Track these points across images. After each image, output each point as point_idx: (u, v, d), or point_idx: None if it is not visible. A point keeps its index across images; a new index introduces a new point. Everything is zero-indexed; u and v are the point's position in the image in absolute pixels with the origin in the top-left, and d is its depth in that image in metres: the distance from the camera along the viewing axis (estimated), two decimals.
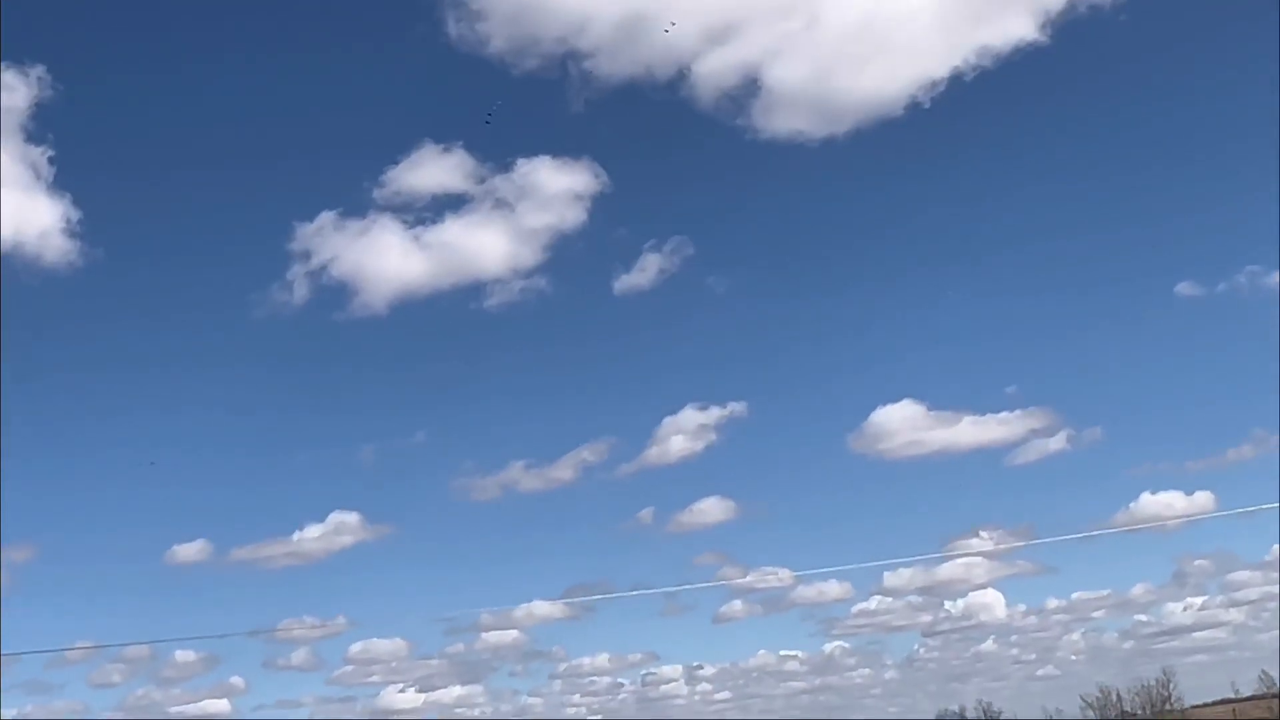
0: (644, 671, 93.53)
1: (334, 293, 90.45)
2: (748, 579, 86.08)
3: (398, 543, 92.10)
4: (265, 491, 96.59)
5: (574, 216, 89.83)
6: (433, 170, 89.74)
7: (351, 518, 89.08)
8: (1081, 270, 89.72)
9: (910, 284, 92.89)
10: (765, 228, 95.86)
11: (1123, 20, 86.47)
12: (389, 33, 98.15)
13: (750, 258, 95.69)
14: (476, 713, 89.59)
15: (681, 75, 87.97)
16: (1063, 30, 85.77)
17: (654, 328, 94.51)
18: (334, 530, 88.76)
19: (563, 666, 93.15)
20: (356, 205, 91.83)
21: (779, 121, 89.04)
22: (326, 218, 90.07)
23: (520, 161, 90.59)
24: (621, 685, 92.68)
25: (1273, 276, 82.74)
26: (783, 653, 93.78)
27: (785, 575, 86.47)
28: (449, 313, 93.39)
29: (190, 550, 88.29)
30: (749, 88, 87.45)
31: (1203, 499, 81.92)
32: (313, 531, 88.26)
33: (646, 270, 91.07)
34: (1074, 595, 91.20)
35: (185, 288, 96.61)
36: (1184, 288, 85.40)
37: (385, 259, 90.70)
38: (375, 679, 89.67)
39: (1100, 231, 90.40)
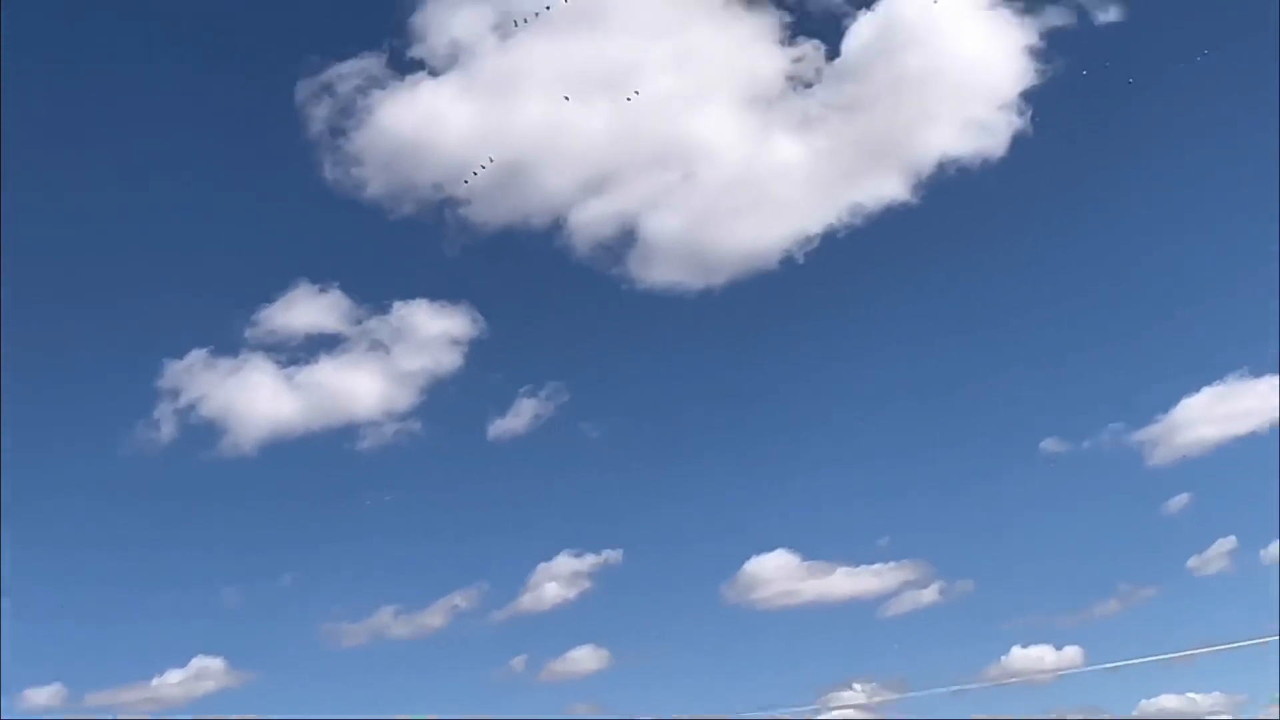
0: None
1: (202, 431, 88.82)
2: None
3: (263, 689, 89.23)
4: (125, 634, 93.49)
5: (450, 360, 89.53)
6: (308, 310, 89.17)
7: (215, 663, 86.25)
8: (950, 425, 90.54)
9: (785, 435, 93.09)
10: (640, 376, 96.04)
11: (990, 182, 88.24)
12: (266, 173, 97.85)
13: (625, 406, 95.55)
14: None
15: (558, 224, 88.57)
16: (933, 191, 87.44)
17: (528, 474, 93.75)
18: (195, 675, 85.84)
19: None
20: (228, 343, 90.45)
21: (655, 272, 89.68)
22: (197, 355, 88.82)
23: (397, 304, 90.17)
24: None
25: (1135, 434, 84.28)
26: None
27: None
28: (320, 454, 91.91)
29: (43, 695, 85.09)
30: (625, 238, 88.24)
31: (1072, 653, 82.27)
32: (173, 677, 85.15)
33: (521, 416, 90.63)
34: None
35: (50, 422, 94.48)
36: (1049, 444, 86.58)
37: (256, 398, 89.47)
38: None
39: (967, 387, 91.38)
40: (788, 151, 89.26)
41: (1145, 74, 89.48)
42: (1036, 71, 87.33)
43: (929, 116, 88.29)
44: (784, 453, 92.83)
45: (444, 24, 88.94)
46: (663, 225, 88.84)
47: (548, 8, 76.73)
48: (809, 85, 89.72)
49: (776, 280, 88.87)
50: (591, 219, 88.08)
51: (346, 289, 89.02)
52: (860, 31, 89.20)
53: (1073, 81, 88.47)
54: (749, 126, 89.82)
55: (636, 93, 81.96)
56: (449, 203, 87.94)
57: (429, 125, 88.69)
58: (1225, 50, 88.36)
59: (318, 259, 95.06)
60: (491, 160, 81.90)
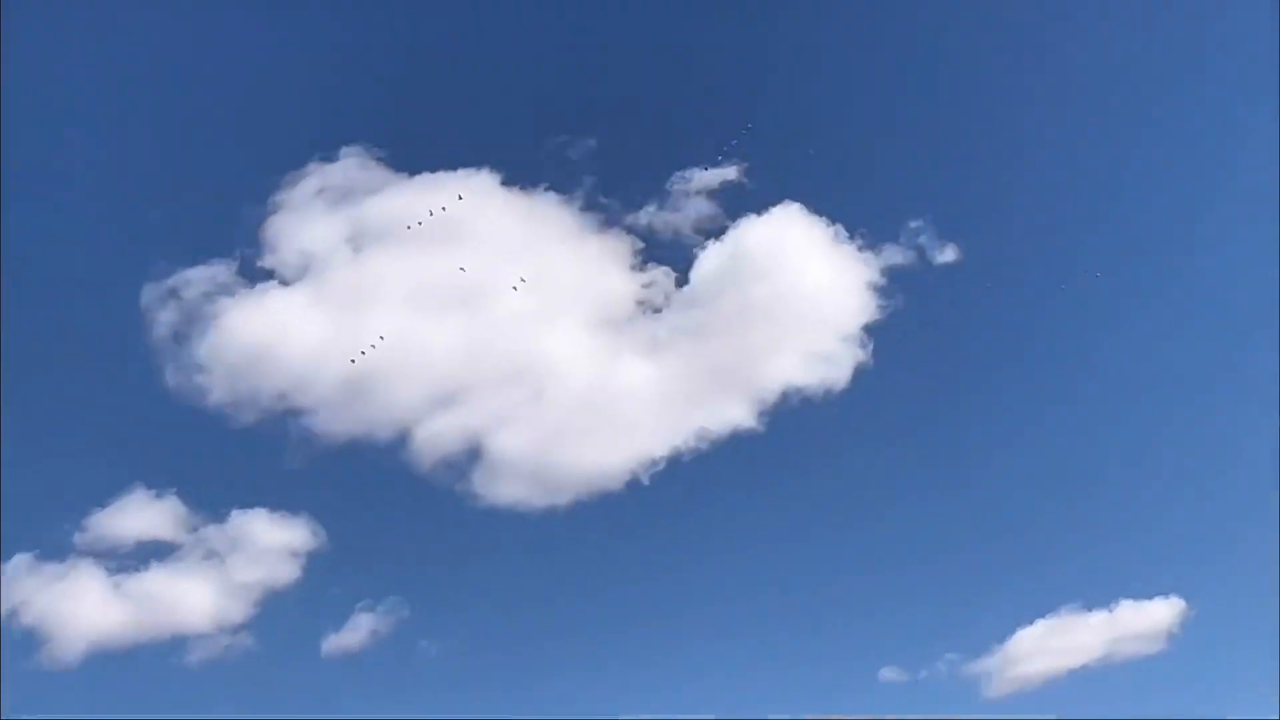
0: None
1: (24, 639, 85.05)
2: None
3: None
4: None
5: (287, 572, 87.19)
6: (141, 517, 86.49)
7: None
8: (790, 652, 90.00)
9: (625, 658, 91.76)
10: (483, 594, 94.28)
11: (833, 412, 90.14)
12: (106, 375, 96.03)
13: (466, 623, 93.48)
14: None
15: (404, 437, 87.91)
16: (777, 418, 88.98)
17: (362, 689, 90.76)
18: None
19: None
20: (56, 549, 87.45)
21: (500, 489, 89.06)
22: (22, 560, 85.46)
23: (235, 513, 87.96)
24: None
25: (971, 664, 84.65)
26: None
27: None
28: (147, 665, 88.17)
29: None
30: (471, 453, 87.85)
31: None
32: None
33: (358, 631, 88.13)
34: None
35: None
36: (887, 672, 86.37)
37: (82, 606, 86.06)
38: None
39: (807, 614, 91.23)
40: (636, 374, 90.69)
41: (979, 310, 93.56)
42: (878, 306, 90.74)
43: (774, 346, 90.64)
44: (622, 675, 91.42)
45: (296, 235, 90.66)
46: (509, 442, 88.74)
47: (420, 223, 79.11)
48: (658, 310, 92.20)
49: (621, 501, 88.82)
50: (438, 433, 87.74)
51: (183, 496, 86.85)
52: (709, 260, 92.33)
53: (912, 316, 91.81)
54: (599, 348, 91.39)
55: (523, 279, 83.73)
56: (293, 413, 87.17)
57: (276, 334, 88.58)
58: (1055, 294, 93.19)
59: (155, 465, 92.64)
60: (382, 339, 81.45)
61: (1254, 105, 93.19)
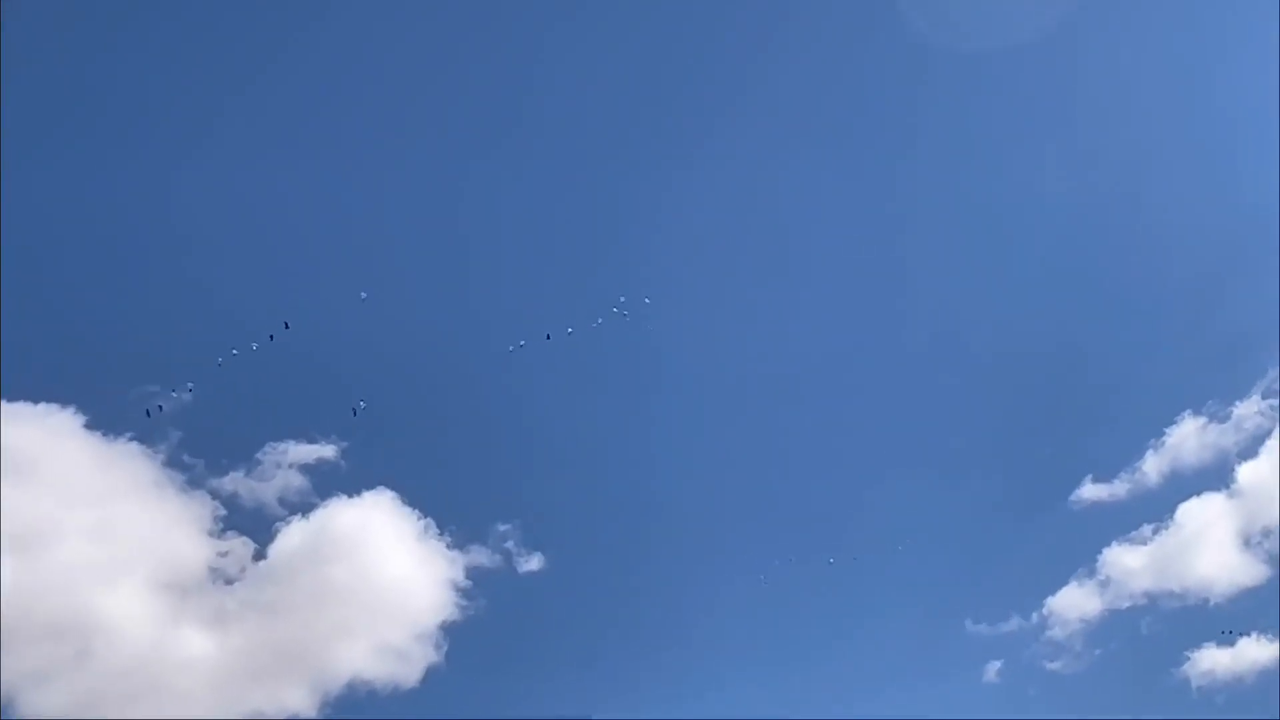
0: None
1: None
2: None
3: None
4: None
5: None
6: None
7: None
8: None
9: None
10: None
11: (397, 709, 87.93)
12: None
13: None
14: None
15: None
16: (339, 709, 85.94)
17: None
18: None
19: None
20: None
21: None
22: None
23: None
24: None
25: None
26: None
27: None
28: None
29: None
30: None
31: None
32: None
33: None
34: None
35: None
36: None
37: None
38: None
39: None
40: (196, 644, 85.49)
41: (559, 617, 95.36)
42: (458, 606, 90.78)
43: (347, 633, 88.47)
44: None
45: None
46: (44, 701, 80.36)
47: None
48: (231, 581, 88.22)
49: None
50: None
51: None
52: (291, 536, 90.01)
53: (492, 619, 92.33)
54: (159, 612, 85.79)
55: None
56: None
57: None
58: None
59: None
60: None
61: None
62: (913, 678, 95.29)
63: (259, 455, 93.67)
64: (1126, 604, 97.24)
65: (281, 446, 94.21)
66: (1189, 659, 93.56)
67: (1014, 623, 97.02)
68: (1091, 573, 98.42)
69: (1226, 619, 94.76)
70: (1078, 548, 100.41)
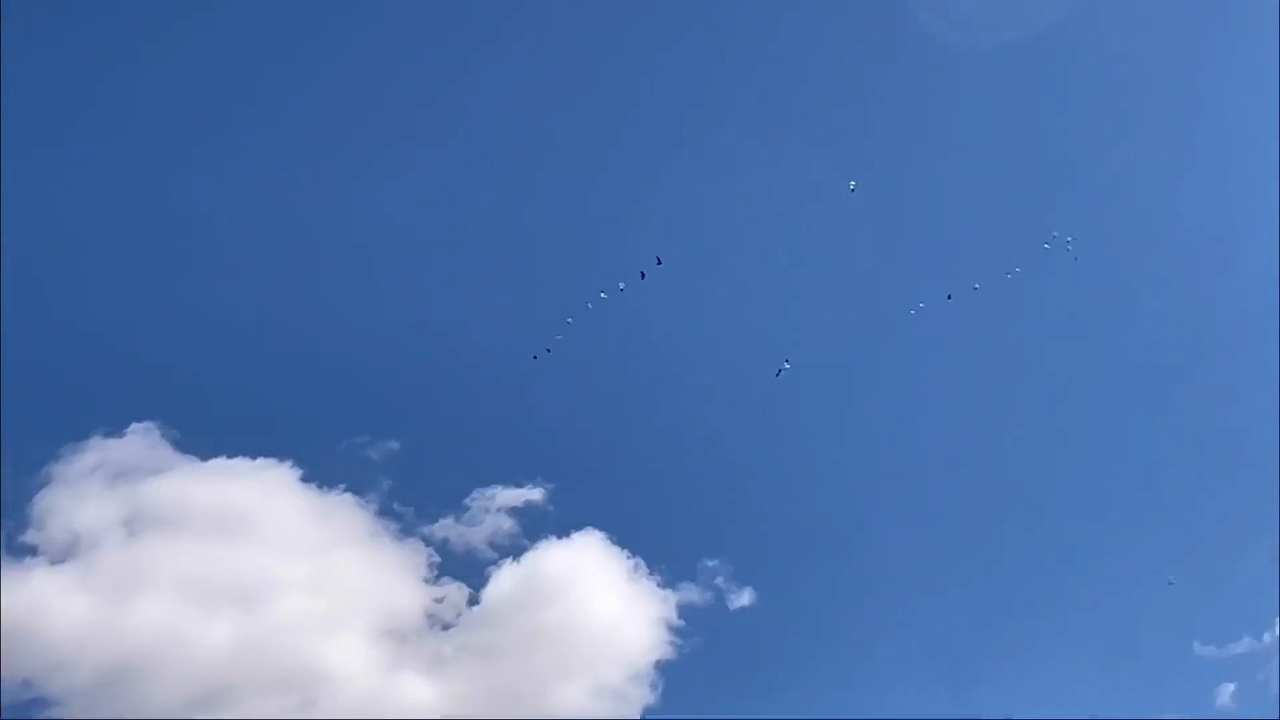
0: None
1: None
2: None
3: None
4: None
5: None
6: None
7: None
8: None
9: None
10: None
11: None
12: None
13: None
14: None
15: None
16: None
17: None
18: None
19: None
20: None
21: None
22: None
23: None
24: None
25: None
26: None
27: None
28: None
29: None
30: None
31: None
32: None
33: None
34: None
35: None
36: None
37: None
38: None
39: None
40: (416, 691, 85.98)
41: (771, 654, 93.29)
42: (672, 645, 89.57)
43: (563, 675, 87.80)
44: None
45: (66, 513, 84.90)
46: None
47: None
48: (447, 627, 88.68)
49: None
50: None
51: None
52: (503, 580, 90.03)
53: (705, 657, 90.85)
54: (379, 659, 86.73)
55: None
56: (38, 703, 78.67)
57: (35, 614, 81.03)
58: None
59: None
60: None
61: None
62: (1139, 698, 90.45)
63: (467, 501, 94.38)
64: None
65: (489, 491, 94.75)
66: None
67: (1245, 644, 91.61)
68: None
69: None
70: None
